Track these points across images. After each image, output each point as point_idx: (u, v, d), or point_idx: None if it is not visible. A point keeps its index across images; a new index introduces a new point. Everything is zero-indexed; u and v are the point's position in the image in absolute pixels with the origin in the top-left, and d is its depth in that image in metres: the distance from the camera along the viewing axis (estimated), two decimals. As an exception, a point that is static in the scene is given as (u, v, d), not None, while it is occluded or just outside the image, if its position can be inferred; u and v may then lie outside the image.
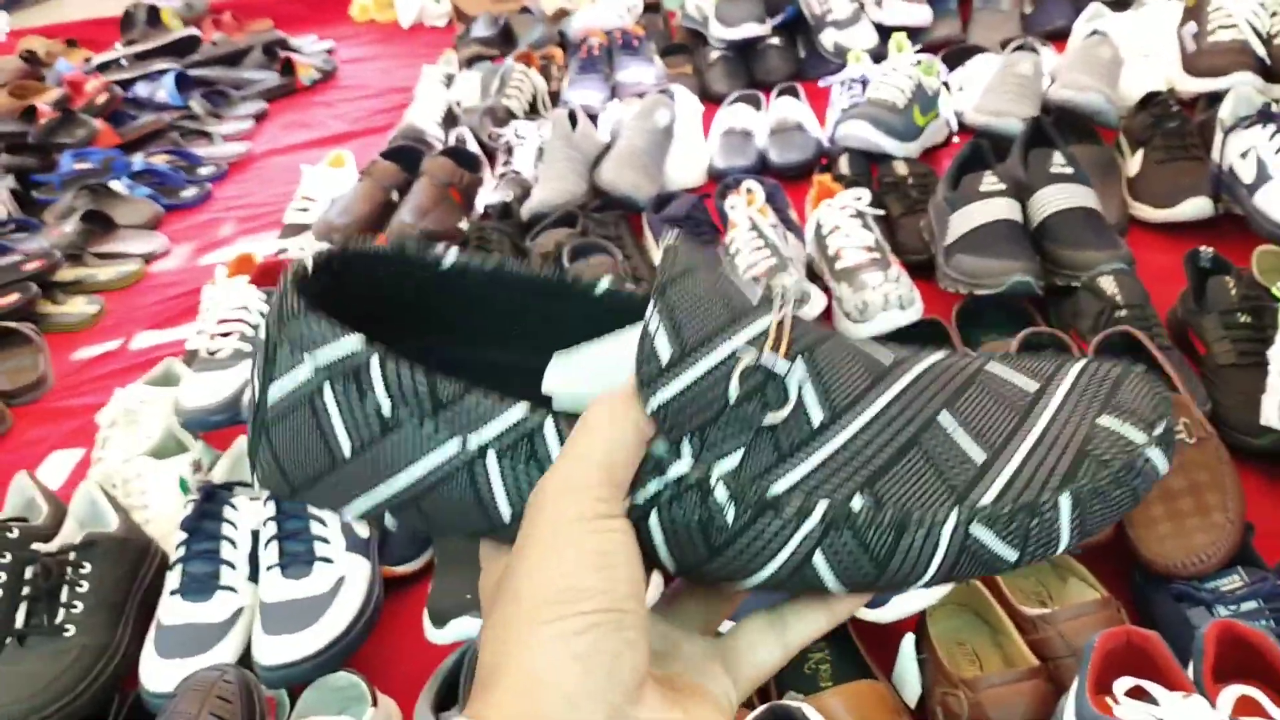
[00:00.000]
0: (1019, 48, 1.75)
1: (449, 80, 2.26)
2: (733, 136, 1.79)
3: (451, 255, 0.35)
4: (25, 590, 0.97)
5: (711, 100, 2.01)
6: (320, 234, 1.62)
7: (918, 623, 0.88)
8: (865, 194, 1.31)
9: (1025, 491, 0.32)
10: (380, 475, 0.32)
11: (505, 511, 0.32)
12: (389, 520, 0.34)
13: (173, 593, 0.96)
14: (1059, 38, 1.93)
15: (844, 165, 1.59)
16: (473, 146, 1.88)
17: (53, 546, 1.00)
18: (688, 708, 0.32)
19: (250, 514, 1.01)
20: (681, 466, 0.31)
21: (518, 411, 0.31)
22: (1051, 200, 1.26)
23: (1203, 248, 1.18)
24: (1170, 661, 0.71)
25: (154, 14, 3.08)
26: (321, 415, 0.31)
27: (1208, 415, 0.99)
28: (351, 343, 0.31)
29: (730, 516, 0.31)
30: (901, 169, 1.53)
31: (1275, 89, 1.55)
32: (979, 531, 0.31)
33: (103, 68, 2.83)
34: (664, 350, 0.30)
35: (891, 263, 1.22)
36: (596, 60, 2.13)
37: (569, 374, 0.34)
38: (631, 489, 0.31)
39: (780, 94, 1.91)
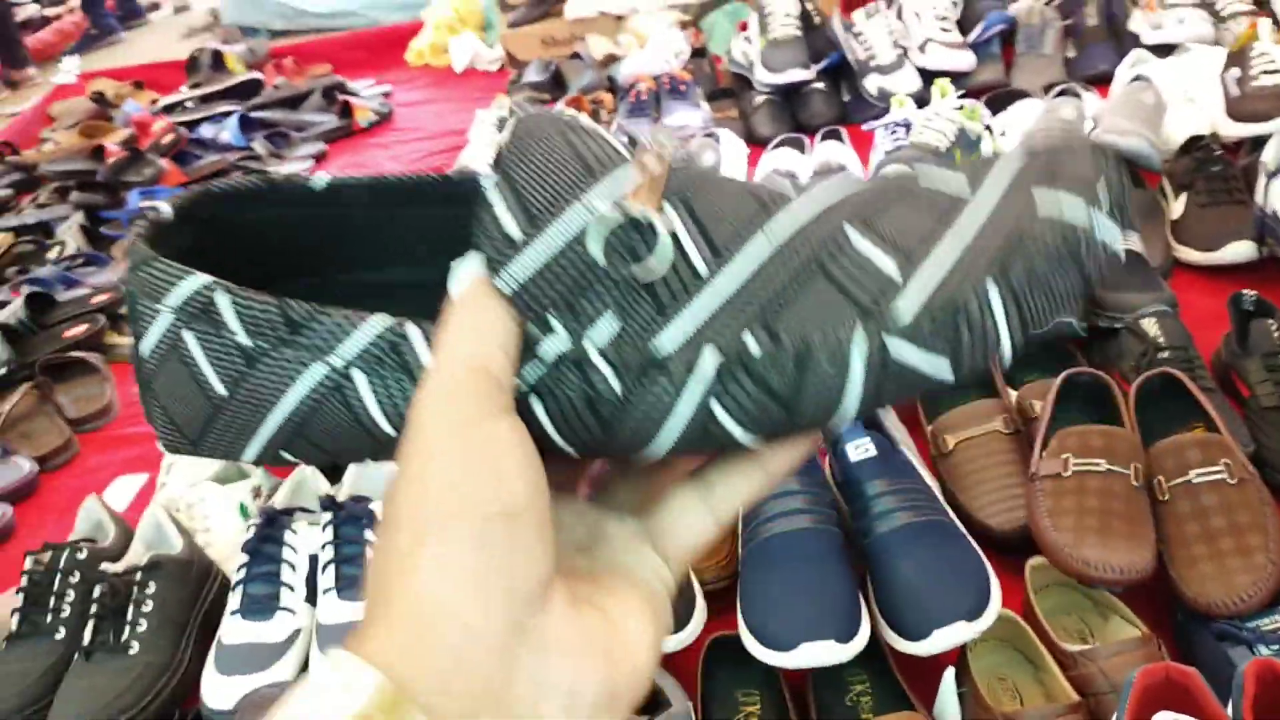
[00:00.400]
0: (1062, 92, 1.77)
1: (501, 124, 2.32)
2: (777, 179, 1.82)
3: (322, 178, 0.33)
4: (93, 609, 1.01)
5: (757, 143, 2.05)
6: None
7: (959, 656, 0.89)
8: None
9: (944, 292, 0.27)
10: (260, 412, 0.30)
11: (386, 429, 0.29)
12: (288, 459, 0.31)
13: (234, 613, 0.99)
14: (1102, 82, 1.94)
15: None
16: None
17: (119, 567, 1.04)
18: (608, 605, 0.29)
19: (309, 538, 1.05)
20: (555, 344, 0.28)
21: (377, 323, 0.29)
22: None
23: (1246, 291, 1.18)
24: (1209, 698, 0.72)
25: (218, 58, 3.20)
26: (189, 360, 0.30)
27: (1250, 457, 0.99)
28: (196, 280, 0.29)
29: (616, 386, 0.28)
30: (944, 211, 1.55)
31: (1320, 134, 1.56)
32: (896, 345, 0.27)
33: (169, 109, 2.94)
34: (508, 223, 0.28)
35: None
36: (645, 104, 2.19)
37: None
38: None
39: (824, 137, 1.94)
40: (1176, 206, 1.48)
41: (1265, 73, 1.63)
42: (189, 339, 0.30)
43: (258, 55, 3.32)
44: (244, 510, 1.21)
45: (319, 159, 2.58)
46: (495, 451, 0.26)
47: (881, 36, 2.10)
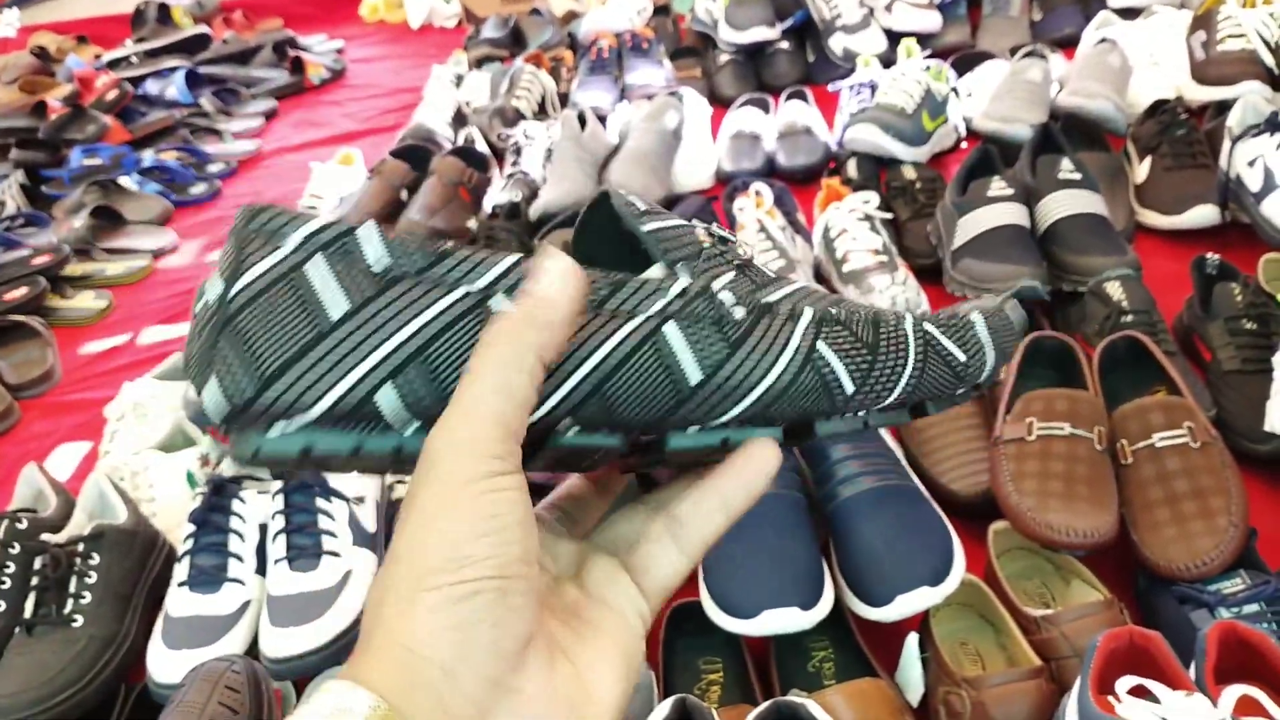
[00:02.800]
0: (1028, 54, 1.76)
1: (458, 81, 2.27)
2: (741, 139, 1.80)
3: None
4: (34, 581, 0.98)
5: (720, 103, 2.02)
6: (329, 231, 1.63)
7: (921, 622, 0.88)
8: (873, 198, 1.32)
9: (943, 313, 0.40)
10: (383, 332, 0.30)
11: None
12: (384, 396, 0.30)
13: (180, 584, 0.96)
14: (1068, 45, 1.93)
15: (852, 169, 1.60)
16: (482, 147, 1.89)
17: (61, 538, 1.01)
18: (581, 655, 0.31)
19: (258, 508, 1.02)
20: (683, 282, 0.33)
21: (513, 257, 0.31)
22: (1059, 206, 1.26)
23: (1209, 255, 1.18)
24: (1172, 661, 0.72)
25: (164, 11, 3.10)
26: (305, 287, 0.29)
27: (1212, 420, 0.99)
28: (322, 220, 0.30)
29: (740, 313, 0.34)
30: (909, 173, 1.54)
31: (1282, 98, 1.56)
32: (931, 327, 0.38)
33: (113, 64, 2.85)
34: (640, 204, 0.35)
35: (899, 266, 1.23)
36: (606, 62, 2.14)
37: None
38: (637, 308, 0.32)
39: (789, 98, 1.92)
40: (1141, 170, 1.47)
41: (1230, 36, 1.62)
42: (315, 264, 0.29)
43: (205, 9, 3.22)
44: (191, 479, 1.17)
45: (269, 116, 2.51)
46: (501, 511, 0.28)
47: (847, -5, 2.07)
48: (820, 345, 0.35)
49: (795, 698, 0.77)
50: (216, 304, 0.29)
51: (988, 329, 0.40)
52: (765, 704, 0.76)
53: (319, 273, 0.29)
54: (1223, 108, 1.49)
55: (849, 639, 0.91)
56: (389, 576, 0.28)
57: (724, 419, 0.34)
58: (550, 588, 0.33)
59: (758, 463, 0.35)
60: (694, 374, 0.33)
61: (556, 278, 0.30)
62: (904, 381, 0.37)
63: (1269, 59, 1.60)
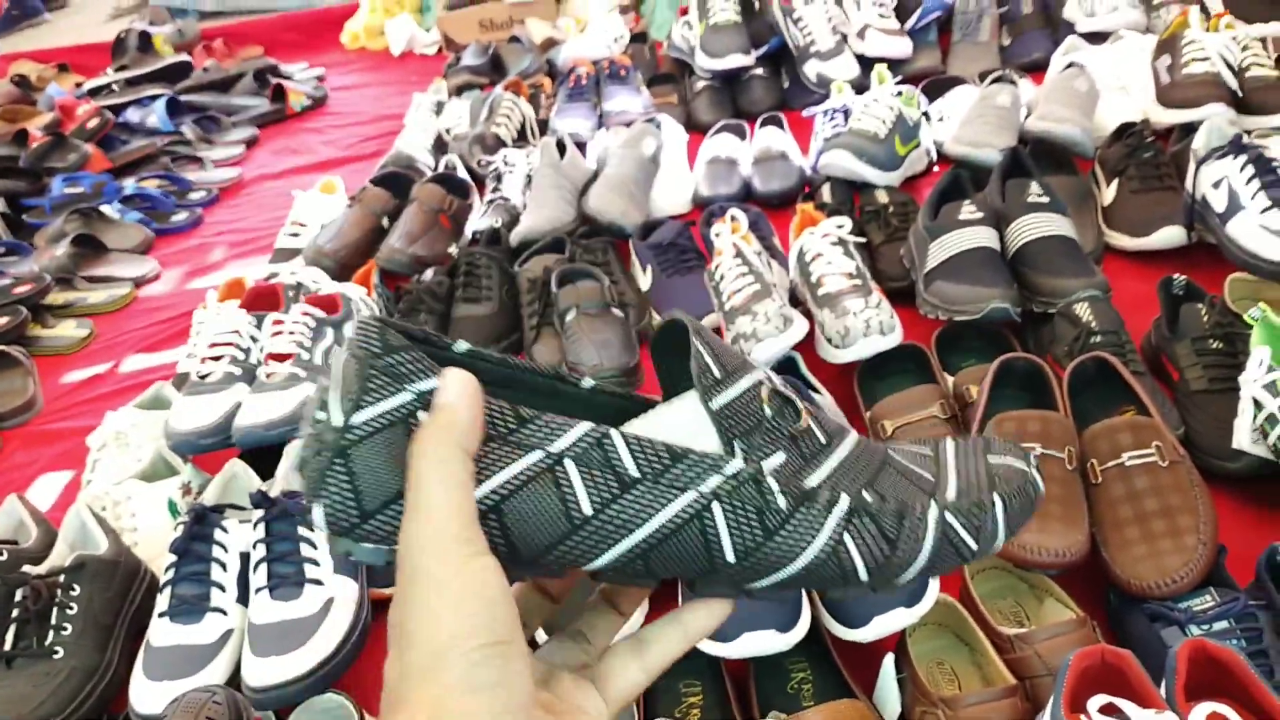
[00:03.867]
0: (997, 79, 1.79)
1: (439, 108, 2.29)
2: (718, 165, 1.82)
3: (463, 344, 0.38)
4: (15, 613, 0.97)
5: (697, 129, 2.04)
6: (311, 259, 1.64)
7: (898, 643, 0.89)
8: (847, 222, 1.34)
9: (970, 494, 0.41)
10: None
11: (588, 511, 0.35)
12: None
13: (162, 615, 0.97)
14: (1036, 69, 1.97)
15: (826, 194, 1.62)
16: (462, 173, 1.91)
17: (42, 569, 1.01)
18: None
19: (240, 536, 1.02)
20: (737, 464, 0.36)
21: (585, 425, 0.35)
22: (1028, 229, 1.29)
23: (1176, 275, 1.21)
24: (1143, 679, 0.73)
25: (145, 40, 3.11)
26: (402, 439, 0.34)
27: (1181, 439, 1.01)
28: (436, 375, 0.34)
29: (782, 504, 0.37)
30: (883, 197, 1.56)
31: (1247, 120, 1.59)
32: (952, 519, 0.40)
33: (94, 93, 2.85)
34: (715, 369, 0.37)
35: (872, 289, 1.25)
36: (584, 89, 2.17)
37: None
38: (692, 482, 0.36)
39: (764, 123, 1.94)
40: (1108, 192, 1.50)
41: (1195, 60, 1.66)
42: (422, 418, 0.34)
43: (187, 37, 3.24)
44: (173, 508, 1.17)
45: (250, 144, 2.52)
46: (484, 586, 0.32)
47: (821, 23, 2.10)
48: (847, 538, 0.38)
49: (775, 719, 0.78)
50: (336, 430, 0.33)
51: (1005, 513, 0.41)
52: (745, 726, 0.77)
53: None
54: (1188, 130, 1.53)
55: (827, 660, 0.92)
56: (405, 660, 0.32)
57: (746, 588, 0.39)
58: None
59: (721, 607, 0.40)
60: (729, 554, 0.37)
61: (454, 384, 0.33)
62: (913, 572, 0.39)
63: (1232, 82, 1.64)
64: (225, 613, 0.97)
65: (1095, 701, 0.70)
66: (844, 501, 0.38)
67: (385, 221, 1.74)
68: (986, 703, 0.80)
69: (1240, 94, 1.63)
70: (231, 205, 2.22)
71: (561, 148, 1.79)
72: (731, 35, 2.12)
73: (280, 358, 1.26)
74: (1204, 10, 1.92)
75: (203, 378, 1.27)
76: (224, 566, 1.00)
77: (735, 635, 0.85)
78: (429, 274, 1.55)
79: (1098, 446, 0.97)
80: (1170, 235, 1.39)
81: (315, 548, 0.99)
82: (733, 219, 1.36)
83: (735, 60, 2.10)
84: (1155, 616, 0.86)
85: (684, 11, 2.35)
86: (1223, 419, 1.03)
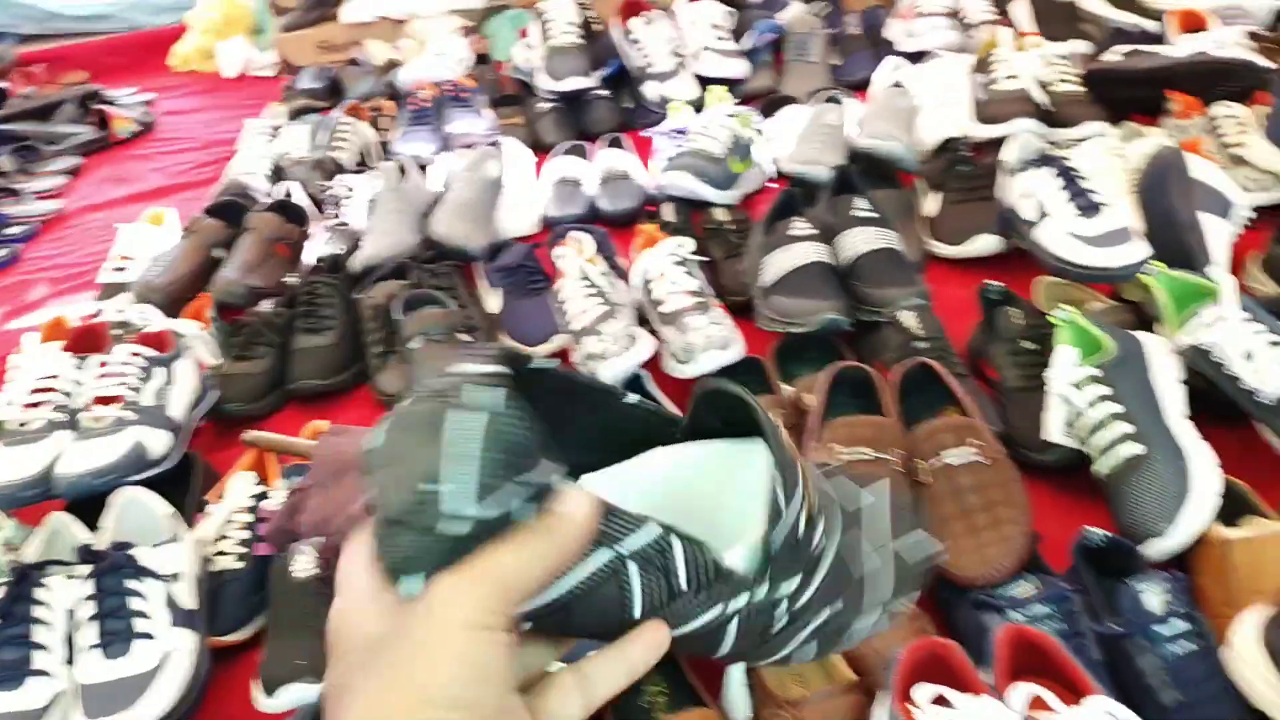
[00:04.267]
0: (827, 99, 1.86)
1: (275, 132, 2.23)
2: (564, 186, 1.83)
3: (538, 360, 0.39)
4: None
5: (543, 150, 2.05)
6: (140, 294, 1.57)
7: (745, 650, 0.92)
8: (688, 242, 1.37)
9: (896, 590, 0.48)
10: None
11: (637, 611, 0.38)
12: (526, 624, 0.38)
13: (-18, 682, 0.91)
14: (864, 87, 2.06)
15: (668, 212, 1.65)
16: (301, 199, 1.86)
17: None
18: None
19: (66, 594, 0.97)
20: (764, 590, 0.41)
21: (653, 530, 0.37)
22: (856, 242, 1.35)
23: (991, 282, 1.28)
24: (967, 667, 0.77)
25: (-46, 67, 2.93)
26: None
27: (1001, 436, 1.08)
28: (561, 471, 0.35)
29: (783, 624, 0.42)
30: (722, 215, 1.60)
31: (1056, 133, 1.70)
32: (878, 619, 0.47)
33: (-104, 123, 2.66)
34: (780, 498, 0.40)
35: (713, 306, 1.28)
36: (427, 112, 2.15)
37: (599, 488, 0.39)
38: (724, 598, 0.39)
39: (608, 144, 1.97)
40: (930, 204, 1.58)
41: (1006, 77, 1.77)
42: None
43: (4, 61, 3.05)
44: (-6, 564, 1.10)
45: (74, 174, 2.40)
46: (488, 661, 0.33)
47: (659, 44, 2.15)
48: (813, 643, 0.44)
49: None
50: (452, 517, 0.32)
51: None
52: (595, 745, 0.78)
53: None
54: (1001, 143, 1.62)
55: (677, 672, 0.93)
56: (385, 703, 0.32)
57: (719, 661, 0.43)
58: None
59: (660, 640, 0.41)
60: (725, 651, 0.42)
61: (577, 504, 0.35)
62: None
63: (1041, 97, 1.76)
64: (50, 675, 0.92)
65: (922, 692, 0.74)
66: (822, 615, 0.43)
67: (219, 252, 1.68)
68: (829, 700, 0.83)
69: (1048, 108, 1.75)
70: (53, 239, 2.10)
71: (403, 171, 1.77)
72: (573, 57, 2.14)
73: (107, 401, 1.21)
74: (1014, 29, 2.05)
75: (23, 425, 1.20)
76: (48, 626, 0.95)
77: (583, 650, 0.86)
78: (266, 305, 1.51)
79: (922, 447, 1.02)
80: (987, 243, 1.48)
81: (146, 600, 0.95)
82: (577, 241, 1.38)
83: (577, 82, 2.12)
84: (980, 605, 0.91)
85: (525, 33, 2.36)
86: (1037, 415, 1.10)
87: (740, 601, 0.39)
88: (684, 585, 0.38)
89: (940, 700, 0.74)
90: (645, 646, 0.40)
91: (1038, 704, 0.75)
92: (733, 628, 0.40)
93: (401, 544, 0.33)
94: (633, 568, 0.37)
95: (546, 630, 0.38)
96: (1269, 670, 0.78)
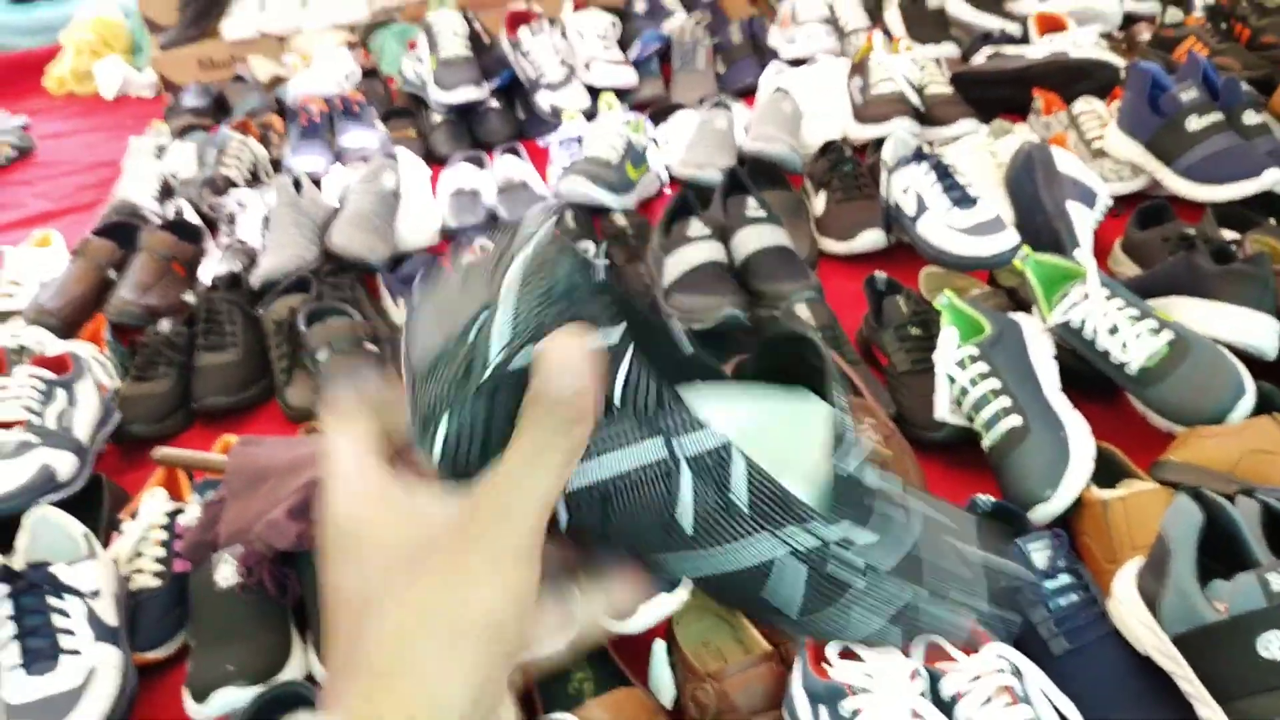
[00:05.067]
0: (715, 105, 1.93)
1: (160, 151, 2.19)
2: (462, 196, 1.86)
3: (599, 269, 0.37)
4: None
5: (438, 162, 2.06)
6: (33, 318, 1.54)
7: (666, 630, 0.96)
8: (590, 245, 1.41)
9: (992, 604, 0.40)
10: (592, 457, 0.33)
11: (687, 526, 0.35)
12: (562, 512, 0.34)
13: (-103, 713, 0.89)
14: (749, 94, 2.14)
15: (569, 219, 1.69)
16: (192, 218, 1.84)
17: None
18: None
19: (-20, 618, 0.96)
20: (835, 531, 0.35)
21: (717, 437, 0.34)
22: (749, 241, 1.41)
23: (878, 273, 1.36)
24: (873, 627, 0.83)
25: None
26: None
27: (893, 417, 1.15)
28: (617, 331, 0.33)
29: (860, 585, 0.36)
30: (621, 220, 1.65)
31: (930, 132, 1.81)
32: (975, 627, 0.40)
33: None
34: (847, 428, 0.37)
35: (617, 305, 1.32)
36: (318, 126, 2.14)
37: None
38: (787, 533, 0.35)
39: (503, 153, 2.00)
40: (818, 203, 1.66)
41: (882, 80, 1.86)
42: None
43: None
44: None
45: (-53, 201, 2.31)
46: (528, 590, 0.32)
47: (548, 55, 2.19)
48: (897, 628, 0.38)
49: (559, 717, 0.83)
50: (490, 365, 0.31)
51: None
52: (529, 726, 0.81)
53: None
54: (882, 143, 1.71)
55: (603, 656, 0.97)
56: (429, 617, 0.31)
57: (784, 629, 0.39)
58: None
59: (644, 584, 0.38)
60: (793, 610, 0.37)
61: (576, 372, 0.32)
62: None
63: (915, 99, 1.86)
64: (-30, 698, 0.91)
65: (833, 648, 0.80)
66: (908, 593, 0.37)
67: (112, 273, 1.65)
68: (747, 670, 0.88)
69: (922, 109, 1.85)
70: (-70, 268, 2.02)
71: (298, 186, 1.76)
72: (463, 69, 2.17)
73: (8, 425, 1.19)
74: (887, 34, 2.15)
75: (-86, 454, 1.17)
76: (-36, 651, 0.93)
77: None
78: (165, 324, 1.49)
79: (823, 429, 1.08)
80: (872, 238, 1.56)
81: (68, 617, 0.94)
82: (481, 248, 1.41)
83: (468, 93, 2.14)
84: (882, 573, 0.97)
85: (413, 45, 2.37)
86: (925, 395, 1.17)
87: (806, 539, 0.35)
88: (741, 502, 0.34)
89: (848, 654, 0.80)
90: (627, 585, 0.38)
91: (934, 655, 0.82)
92: (801, 572, 0.35)
93: (439, 387, 0.32)
94: (685, 472, 0.34)
95: (580, 523, 0.34)
96: (1146, 615, 0.86)
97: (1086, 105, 1.73)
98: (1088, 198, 1.52)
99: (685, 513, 0.34)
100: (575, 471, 0.33)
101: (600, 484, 0.34)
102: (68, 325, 1.53)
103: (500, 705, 0.33)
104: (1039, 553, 0.93)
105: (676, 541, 0.35)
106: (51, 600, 0.94)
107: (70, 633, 0.93)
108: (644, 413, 0.33)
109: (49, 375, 1.25)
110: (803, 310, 1.27)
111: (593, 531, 0.35)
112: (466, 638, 0.31)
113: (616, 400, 0.33)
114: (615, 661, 0.96)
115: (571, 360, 0.31)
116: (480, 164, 1.99)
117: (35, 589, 0.94)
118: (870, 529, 0.36)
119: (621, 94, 2.17)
